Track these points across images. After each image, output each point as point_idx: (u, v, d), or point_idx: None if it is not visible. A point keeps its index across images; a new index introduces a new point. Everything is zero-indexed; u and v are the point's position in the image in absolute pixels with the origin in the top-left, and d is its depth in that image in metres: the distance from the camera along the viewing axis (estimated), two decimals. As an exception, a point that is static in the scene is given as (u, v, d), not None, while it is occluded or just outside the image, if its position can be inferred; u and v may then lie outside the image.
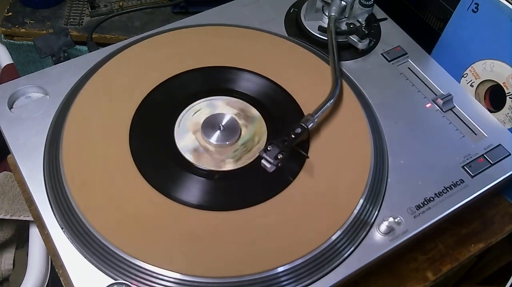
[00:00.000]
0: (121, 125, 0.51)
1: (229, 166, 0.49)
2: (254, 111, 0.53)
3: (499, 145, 0.53)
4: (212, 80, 0.55)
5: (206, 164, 0.49)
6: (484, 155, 0.52)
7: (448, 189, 0.49)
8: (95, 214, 0.45)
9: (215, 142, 0.50)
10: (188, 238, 0.44)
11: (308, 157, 0.49)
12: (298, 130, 0.48)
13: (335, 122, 0.52)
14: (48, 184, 0.47)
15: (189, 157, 0.49)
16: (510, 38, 0.54)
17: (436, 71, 0.59)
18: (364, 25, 0.58)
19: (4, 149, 0.52)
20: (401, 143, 0.52)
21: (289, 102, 0.54)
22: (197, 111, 0.53)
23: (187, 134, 0.51)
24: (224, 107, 0.53)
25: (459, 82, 0.59)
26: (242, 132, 0.51)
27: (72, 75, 0.55)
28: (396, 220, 0.46)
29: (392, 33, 0.62)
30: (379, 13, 0.63)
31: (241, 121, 0.52)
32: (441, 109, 0.55)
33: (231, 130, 0.51)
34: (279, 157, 0.46)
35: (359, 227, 0.46)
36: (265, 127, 0.52)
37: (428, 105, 0.55)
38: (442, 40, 0.61)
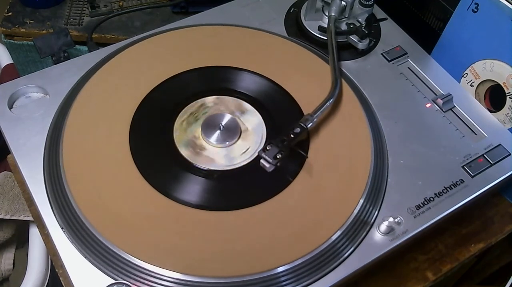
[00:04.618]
0: (121, 125, 0.51)
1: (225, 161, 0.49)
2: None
3: (499, 144, 0.53)
4: (212, 80, 0.55)
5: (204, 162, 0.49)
6: (484, 155, 0.52)
7: (448, 189, 0.49)
8: (95, 214, 0.45)
9: (215, 142, 0.50)
10: (188, 238, 0.44)
11: (307, 157, 0.49)
12: (297, 130, 0.48)
13: (335, 122, 0.52)
14: (48, 184, 0.47)
15: (188, 156, 0.49)
16: (510, 38, 0.54)
17: (436, 71, 0.59)
18: (364, 25, 0.58)
19: (4, 148, 0.52)
20: (401, 143, 0.52)
21: (288, 102, 0.54)
22: (197, 111, 0.53)
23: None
24: (223, 107, 0.53)
25: (459, 82, 0.59)
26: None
27: (72, 75, 0.55)
28: (396, 220, 0.46)
29: (392, 33, 0.62)
30: (379, 13, 0.63)
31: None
32: (441, 109, 0.55)
33: (231, 130, 0.51)
34: (278, 157, 0.46)
35: (359, 227, 0.46)
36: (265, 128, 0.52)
37: (428, 105, 0.55)
38: (442, 40, 0.61)
